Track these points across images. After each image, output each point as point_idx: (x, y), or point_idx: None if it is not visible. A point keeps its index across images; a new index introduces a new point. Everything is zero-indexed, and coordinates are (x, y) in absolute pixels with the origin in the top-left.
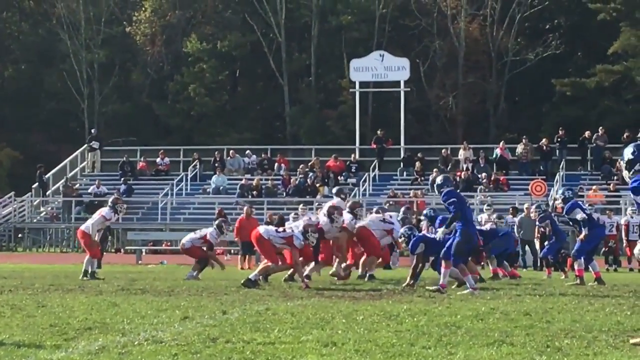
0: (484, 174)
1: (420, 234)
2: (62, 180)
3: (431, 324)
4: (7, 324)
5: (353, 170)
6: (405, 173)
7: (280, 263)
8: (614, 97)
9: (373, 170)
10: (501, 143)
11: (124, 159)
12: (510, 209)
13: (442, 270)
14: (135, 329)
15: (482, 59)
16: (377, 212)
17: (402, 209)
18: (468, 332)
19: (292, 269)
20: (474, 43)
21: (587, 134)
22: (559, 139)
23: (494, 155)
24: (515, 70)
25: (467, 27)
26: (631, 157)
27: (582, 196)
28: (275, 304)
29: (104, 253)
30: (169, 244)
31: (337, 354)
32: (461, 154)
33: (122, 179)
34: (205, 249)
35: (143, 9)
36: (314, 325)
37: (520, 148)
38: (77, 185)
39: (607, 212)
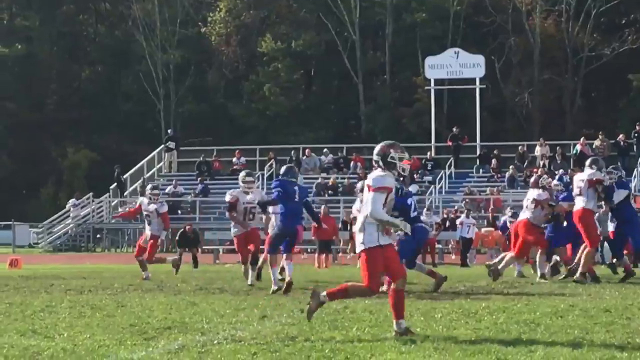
0: (560, 170)
1: None
2: (140, 181)
3: (510, 321)
4: (88, 324)
5: (429, 167)
6: (481, 170)
7: None
8: None
9: (449, 168)
10: (582, 139)
11: (201, 159)
12: None
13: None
14: (214, 328)
15: (558, 55)
16: None
17: None
18: (547, 329)
19: None
20: (549, 39)
21: None
22: (636, 134)
23: (574, 152)
24: (591, 65)
25: (543, 23)
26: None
27: None
28: (353, 302)
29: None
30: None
31: (416, 352)
32: (538, 151)
33: (199, 179)
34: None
35: (218, 9)
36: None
37: (597, 144)
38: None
39: None
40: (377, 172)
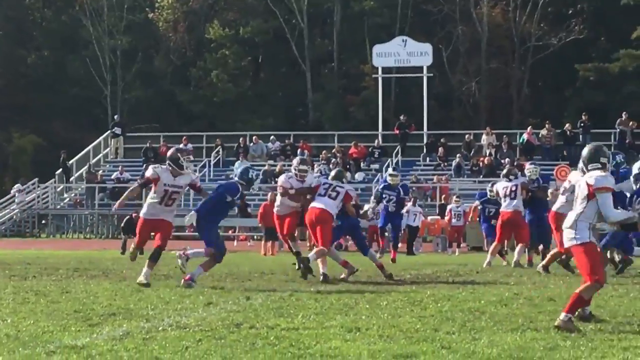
0: (507, 160)
1: None
2: (86, 167)
3: (455, 310)
4: (32, 310)
5: (376, 155)
6: (428, 159)
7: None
8: (638, 82)
9: (396, 156)
10: (529, 128)
11: (147, 145)
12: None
13: None
14: (159, 315)
15: (505, 44)
16: None
17: None
18: (492, 317)
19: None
20: (496, 28)
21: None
22: (582, 124)
23: (521, 140)
24: (538, 55)
25: (490, 12)
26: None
27: None
28: (298, 289)
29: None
30: (192, 229)
31: (361, 340)
32: (484, 140)
33: (145, 165)
34: None
35: None
36: (338, 310)
37: (544, 133)
38: (101, 172)
39: None
40: (597, 172)
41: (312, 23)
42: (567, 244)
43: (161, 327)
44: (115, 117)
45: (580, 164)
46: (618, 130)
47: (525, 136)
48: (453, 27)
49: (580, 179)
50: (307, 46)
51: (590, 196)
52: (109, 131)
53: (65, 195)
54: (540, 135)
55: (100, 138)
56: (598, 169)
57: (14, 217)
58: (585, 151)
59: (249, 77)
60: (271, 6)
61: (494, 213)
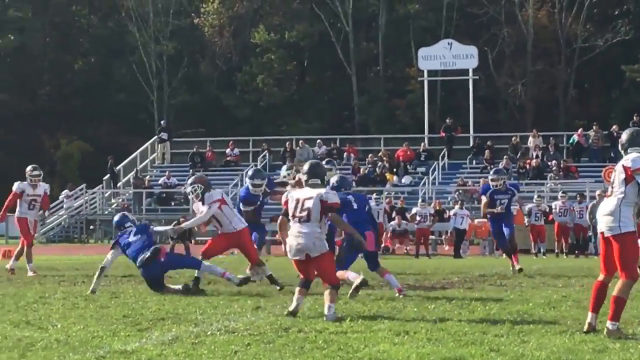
0: (553, 162)
1: None
2: (133, 172)
3: (503, 312)
4: (81, 315)
5: (422, 158)
6: (474, 161)
7: None
8: None
9: (442, 159)
10: (579, 130)
11: (194, 150)
12: (577, 196)
13: None
14: (207, 319)
15: (551, 46)
16: None
17: None
18: (540, 320)
19: None
20: (542, 30)
21: None
22: (634, 125)
23: (571, 141)
24: (585, 56)
25: (536, 14)
26: None
27: None
28: (346, 293)
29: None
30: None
31: (409, 343)
32: (531, 142)
33: (191, 170)
34: None
35: (211, 0)
36: (386, 314)
37: (590, 134)
38: (148, 177)
39: None
40: (634, 154)
41: (358, 26)
42: (606, 233)
43: (210, 331)
44: (162, 122)
45: (620, 148)
46: None
47: (575, 137)
48: (498, 30)
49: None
50: (352, 50)
51: (629, 179)
52: (155, 136)
53: (113, 200)
54: (587, 137)
55: (147, 143)
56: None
57: (62, 223)
58: (624, 135)
59: (294, 81)
60: (316, 10)
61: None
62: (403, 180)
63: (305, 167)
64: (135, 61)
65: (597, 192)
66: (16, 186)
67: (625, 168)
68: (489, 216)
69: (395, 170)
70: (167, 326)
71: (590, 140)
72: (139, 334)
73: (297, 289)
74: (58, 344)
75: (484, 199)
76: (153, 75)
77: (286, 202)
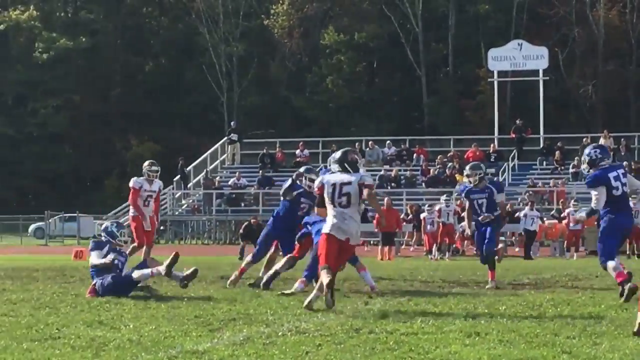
0: (625, 163)
1: None
2: (203, 173)
3: (575, 314)
4: (153, 315)
5: (492, 159)
6: (545, 162)
7: None
8: None
9: (512, 160)
10: None
11: (264, 151)
12: None
13: None
14: (278, 320)
15: (622, 46)
16: None
17: None
18: (612, 322)
19: None
20: (613, 30)
21: None
22: None
23: None
24: None
25: (606, 14)
26: None
27: None
28: (416, 294)
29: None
30: None
31: (481, 344)
32: (602, 143)
33: (261, 171)
34: None
35: (281, 1)
36: (457, 315)
37: None
38: (218, 178)
39: None
40: None
41: (427, 27)
42: None
43: (281, 332)
44: (232, 123)
45: None
46: None
47: None
48: (569, 30)
49: None
50: (422, 51)
51: None
52: (225, 137)
53: (183, 201)
54: None
55: (217, 144)
56: None
57: None
58: None
59: (364, 82)
60: (386, 11)
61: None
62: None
63: (338, 154)
64: (206, 62)
65: None
66: (134, 182)
67: None
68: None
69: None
70: (239, 326)
71: None
72: (210, 334)
73: (324, 283)
74: (130, 343)
75: (466, 202)
76: (223, 77)
77: (320, 188)
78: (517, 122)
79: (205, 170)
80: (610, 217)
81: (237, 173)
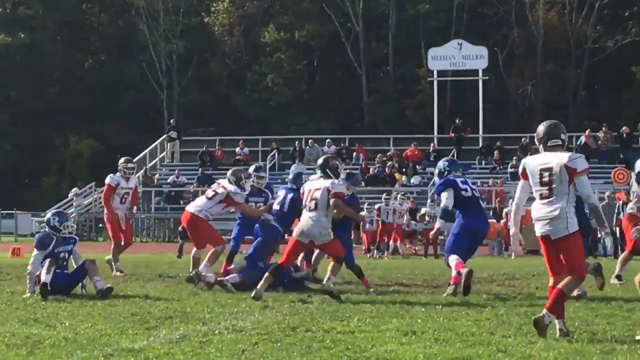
0: None
1: None
2: (142, 171)
3: (511, 313)
4: (89, 313)
5: (432, 159)
6: (483, 162)
7: None
8: None
9: None
10: (587, 131)
11: (203, 149)
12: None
13: None
14: (215, 318)
15: (561, 47)
16: None
17: None
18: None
19: None
20: (552, 31)
21: None
22: None
23: (579, 142)
24: (595, 57)
25: (546, 15)
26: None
27: None
28: (354, 293)
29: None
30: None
31: (417, 343)
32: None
33: (200, 169)
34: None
35: None
36: (394, 314)
37: (600, 136)
38: (157, 175)
39: None
40: (576, 155)
41: (368, 26)
42: (553, 235)
43: (217, 330)
44: (171, 121)
45: (537, 142)
46: None
47: (583, 139)
48: (509, 30)
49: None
50: (362, 50)
51: (573, 179)
52: (165, 135)
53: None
54: (597, 138)
55: (157, 142)
56: (558, 145)
57: (72, 220)
58: (542, 127)
59: (304, 80)
60: (326, 10)
61: None
62: (412, 181)
63: (320, 161)
64: (146, 60)
65: (607, 194)
66: (110, 179)
67: (568, 169)
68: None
69: (404, 170)
70: (175, 325)
71: (599, 142)
72: (146, 332)
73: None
74: (66, 341)
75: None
76: (163, 74)
77: (302, 194)
78: (457, 121)
79: (144, 168)
80: (461, 218)
81: (177, 171)
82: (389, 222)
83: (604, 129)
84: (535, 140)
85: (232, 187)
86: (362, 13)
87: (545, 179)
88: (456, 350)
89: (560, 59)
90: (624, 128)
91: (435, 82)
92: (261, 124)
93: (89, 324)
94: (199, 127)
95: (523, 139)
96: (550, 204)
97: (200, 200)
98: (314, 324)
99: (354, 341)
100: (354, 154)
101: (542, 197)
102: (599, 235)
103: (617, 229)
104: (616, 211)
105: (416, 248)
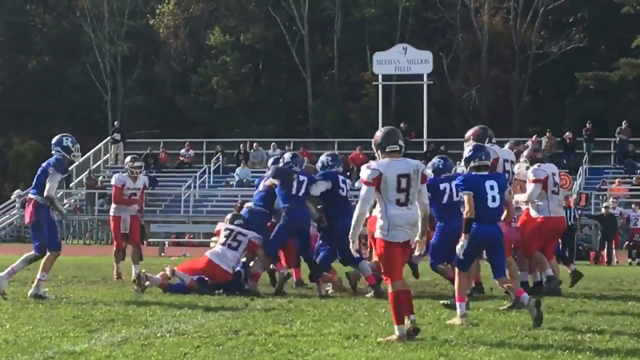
0: None
1: None
2: (85, 173)
3: (452, 317)
4: (31, 315)
5: None
6: None
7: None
8: (638, 91)
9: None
10: (534, 136)
11: (147, 151)
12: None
13: None
14: (157, 321)
15: (506, 52)
16: None
17: None
18: (490, 325)
19: None
20: (497, 36)
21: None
22: (587, 133)
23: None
24: (539, 63)
25: (491, 20)
26: None
27: (606, 190)
28: (297, 297)
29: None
30: (191, 236)
31: (359, 347)
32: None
33: (145, 171)
34: None
35: (166, 1)
36: (336, 318)
37: (544, 141)
38: (100, 178)
39: (633, 205)
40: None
41: (313, 30)
42: (405, 239)
43: (160, 333)
44: (115, 123)
45: (374, 148)
46: (617, 138)
47: (529, 144)
48: (453, 35)
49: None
50: (307, 53)
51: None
52: (109, 137)
53: (65, 201)
54: (540, 144)
55: (101, 144)
56: (396, 151)
57: (14, 222)
58: (379, 133)
59: (249, 83)
60: (272, 13)
61: None
62: (356, 185)
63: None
64: (90, 61)
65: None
66: (115, 179)
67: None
68: None
69: (348, 174)
70: (117, 327)
71: (543, 147)
72: (88, 335)
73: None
74: (6, 344)
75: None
76: (107, 76)
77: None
78: (401, 125)
79: (87, 170)
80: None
81: (120, 173)
82: None
83: (547, 134)
84: (373, 146)
85: (251, 233)
86: (307, 16)
87: (403, 186)
88: (398, 354)
89: (504, 64)
90: (567, 134)
91: (380, 86)
92: (206, 126)
93: (30, 327)
94: (143, 130)
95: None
96: (409, 210)
97: (231, 254)
98: (256, 327)
99: (296, 345)
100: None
101: (399, 203)
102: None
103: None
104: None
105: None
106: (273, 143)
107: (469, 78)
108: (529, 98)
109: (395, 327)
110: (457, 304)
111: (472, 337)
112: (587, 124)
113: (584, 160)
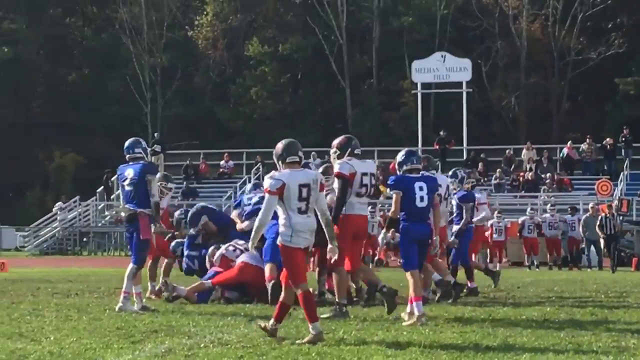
0: (547, 174)
1: None
2: None
3: (496, 325)
4: (75, 327)
5: None
6: None
7: None
8: None
9: (436, 172)
10: (569, 143)
11: (187, 162)
12: (569, 209)
13: None
14: (201, 332)
15: (544, 59)
16: None
17: None
18: (533, 333)
19: None
20: (535, 43)
21: None
22: (624, 138)
23: (561, 155)
24: (578, 69)
25: (529, 27)
26: None
27: None
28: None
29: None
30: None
31: (403, 355)
32: (524, 154)
33: (185, 182)
34: None
35: (205, 13)
36: (379, 326)
37: (584, 147)
38: None
39: None
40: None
41: (351, 39)
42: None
43: (203, 343)
44: (155, 134)
45: (276, 161)
46: None
47: (565, 151)
48: (492, 42)
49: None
50: (346, 62)
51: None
52: (149, 149)
53: (107, 213)
54: (580, 150)
55: None
56: (296, 162)
57: (56, 234)
58: (280, 145)
59: (288, 93)
60: (310, 23)
61: None
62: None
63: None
64: (129, 74)
65: (590, 205)
66: None
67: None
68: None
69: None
70: (160, 338)
71: (583, 153)
72: (132, 347)
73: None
74: (51, 356)
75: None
76: (147, 88)
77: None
78: (441, 133)
79: None
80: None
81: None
82: (374, 234)
83: (588, 140)
84: (274, 157)
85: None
86: (345, 26)
87: (304, 195)
88: None
89: (543, 70)
90: (607, 139)
91: (419, 95)
92: (245, 137)
93: (74, 338)
94: (182, 141)
95: (507, 151)
96: (309, 217)
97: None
98: (299, 336)
99: (339, 354)
100: None
101: (300, 211)
102: (582, 246)
103: (603, 240)
104: (598, 222)
105: (401, 260)
106: (313, 152)
107: (508, 85)
108: (569, 104)
109: (310, 325)
110: (414, 303)
111: (516, 345)
112: (624, 130)
113: (624, 166)
